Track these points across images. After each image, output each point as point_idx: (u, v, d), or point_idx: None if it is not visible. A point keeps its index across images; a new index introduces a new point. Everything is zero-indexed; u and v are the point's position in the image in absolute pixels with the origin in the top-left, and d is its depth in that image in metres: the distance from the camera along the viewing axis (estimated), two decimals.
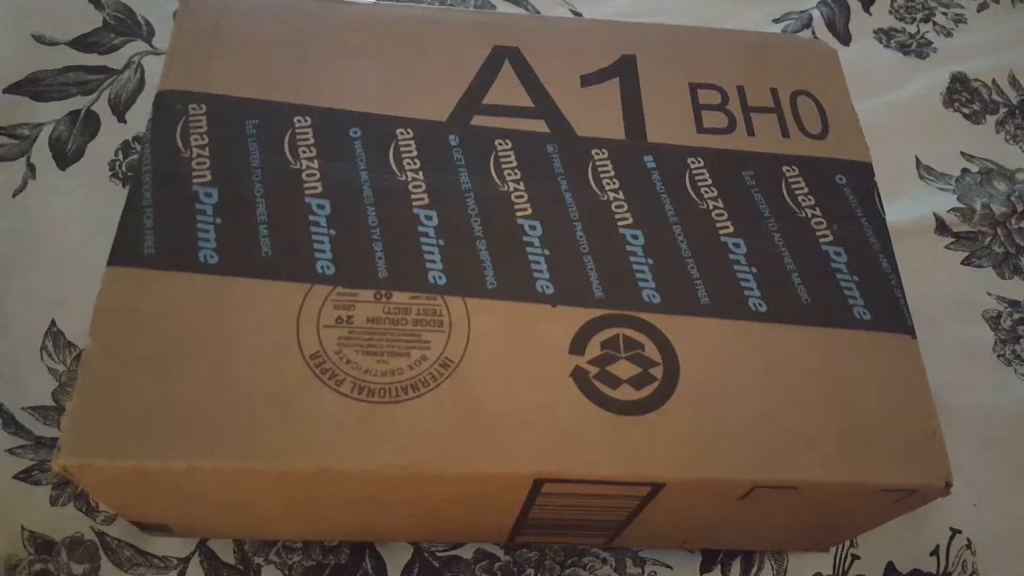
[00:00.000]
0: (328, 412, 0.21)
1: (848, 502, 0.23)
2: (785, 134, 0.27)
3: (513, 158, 0.25)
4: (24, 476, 0.27)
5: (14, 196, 0.32)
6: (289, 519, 0.24)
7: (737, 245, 0.24)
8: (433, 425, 0.21)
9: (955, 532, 0.29)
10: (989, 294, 0.35)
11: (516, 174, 0.25)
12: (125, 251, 0.22)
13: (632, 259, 0.24)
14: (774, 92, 0.28)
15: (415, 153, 0.25)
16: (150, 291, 0.22)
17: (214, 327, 0.21)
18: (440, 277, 0.23)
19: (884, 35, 0.43)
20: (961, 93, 0.41)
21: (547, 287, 0.23)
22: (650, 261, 0.24)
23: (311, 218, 0.23)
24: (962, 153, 0.39)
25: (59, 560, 0.26)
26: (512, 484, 0.21)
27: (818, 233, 0.25)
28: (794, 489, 0.22)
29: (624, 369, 0.22)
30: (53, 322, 0.30)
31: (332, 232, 0.23)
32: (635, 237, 0.24)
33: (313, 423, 0.20)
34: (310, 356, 0.21)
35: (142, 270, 0.22)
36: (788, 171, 0.26)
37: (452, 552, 0.28)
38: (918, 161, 0.39)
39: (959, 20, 0.44)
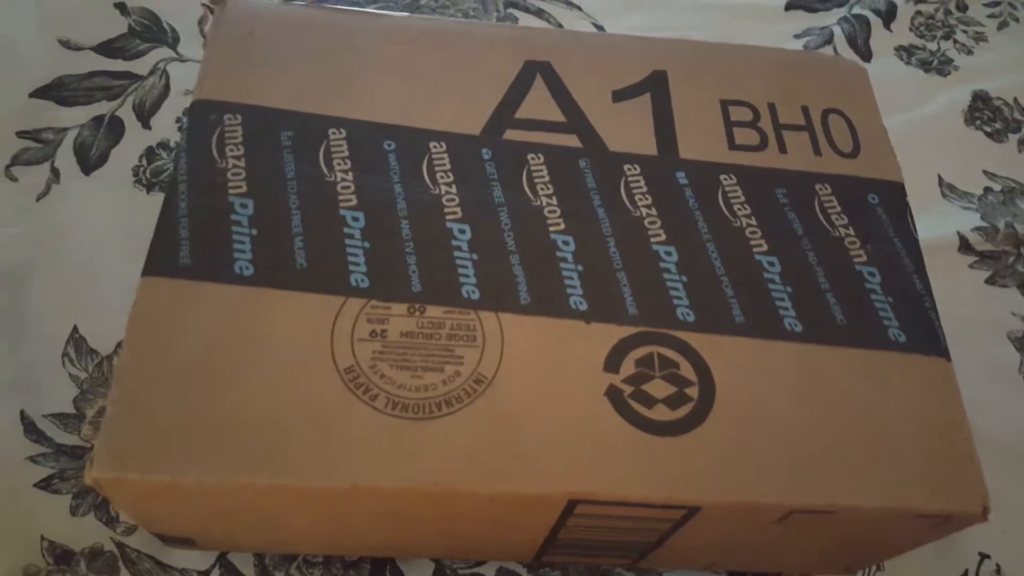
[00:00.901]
0: (362, 428, 0.20)
1: (883, 527, 0.23)
2: (817, 152, 0.27)
3: (546, 172, 0.25)
4: (44, 484, 0.27)
5: (38, 200, 0.32)
6: (315, 534, 0.24)
7: (771, 264, 0.24)
8: (467, 442, 0.21)
9: (984, 557, 0.29)
10: (1014, 314, 0.35)
11: (549, 189, 0.25)
12: (160, 261, 0.22)
13: (666, 276, 0.24)
14: (805, 110, 0.28)
15: (448, 167, 0.25)
16: (185, 301, 0.21)
17: (248, 339, 0.21)
18: (473, 291, 0.23)
19: (905, 52, 0.43)
20: (983, 111, 0.41)
21: (580, 303, 0.23)
22: (684, 279, 0.24)
23: (346, 231, 0.23)
24: (984, 172, 0.39)
25: (78, 571, 0.26)
26: (545, 504, 0.21)
27: (851, 253, 0.25)
28: (831, 514, 0.22)
29: (659, 388, 0.22)
30: (75, 328, 0.30)
31: (366, 245, 0.23)
32: (668, 254, 0.24)
33: (347, 439, 0.20)
34: (344, 370, 0.21)
35: (177, 280, 0.22)
36: (821, 189, 0.26)
37: (474, 570, 0.28)
38: (941, 179, 0.39)
39: (980, 38, 0.44)
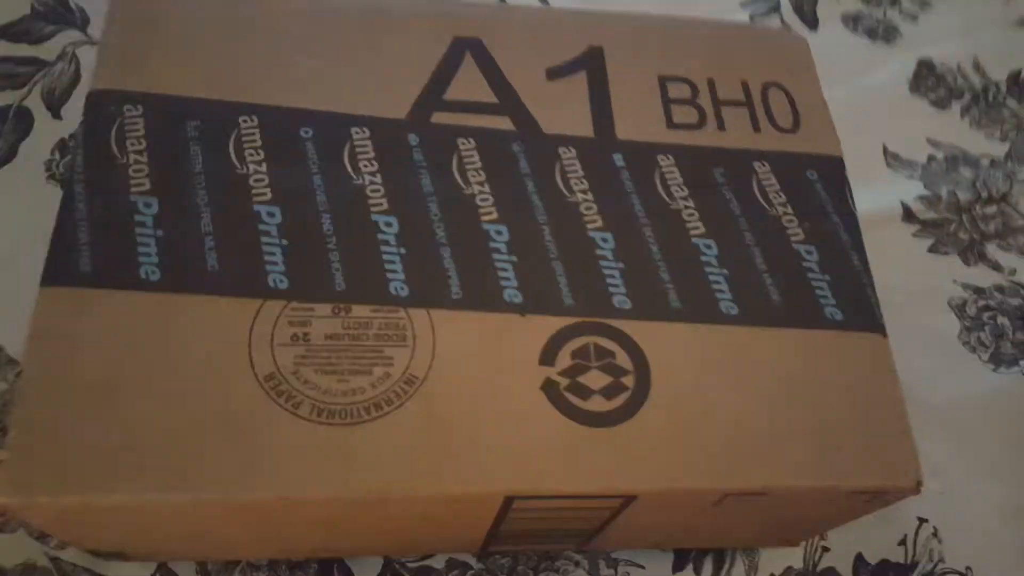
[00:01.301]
0: (286, 437, 0.20)
1: (819, 504, 0.23)
2: (756, 128, 0.26)
3: (477, 158, 0.24)
4: None
5: None
6: (252, 542, 0.23)
7: (708, 247, 0.24)
8: (398, 446, 0.20)
9: (922, 521, 0.30)
10: (955, 281, 0.35)
11: (481, 175, 0.24)
12: (59, 269, 0.20)
13: (602, 263, 0.23)
14: (745, 85, 0.27)
15: (372, 154, 0.23)
16: (88, 312, 0.20)
17: (159, 349, 0.20)
18: (402, 288, 0.22)
19: (852, 20, 0.43)
20: (927, 79, 0.41)
21: (515, 295, 0.22)
22: (620, 265, 0.23)
23: (261, 227, 0.22)
24: (928, 139, 0.39)
25: None
26: (480, 503, 0.21)
27: (789, 232, 0.24)
28: (764, 495, 0.21)
29: (595, 379, 0.21)
30: None
31: (284, 242, 0.22)
32: (605, 240, 0.23)
33: (270, 449, 0.19)
34: (264, 378, 0.20)
35: (78, 289, 0.20)
36: (759, 167, 0.25)
37: (423, 563, 0.27)
38: (885, 148, 0.39)
39: (924, 4, 0.44)
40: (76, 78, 0.33)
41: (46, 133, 0.32)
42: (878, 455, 0.22)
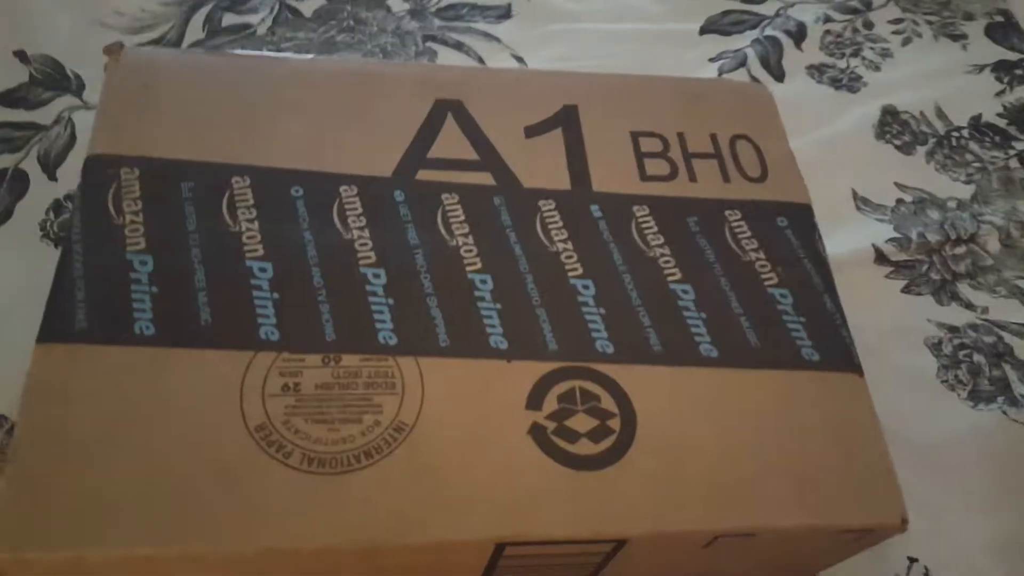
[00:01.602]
0: (276, 487, 0.20)
1: (807, 543, 0.23)
2: (726, 179, 0.27)
3: (461, 212, 0.25)
4: None
5: None
6: None
7: (685, 291, 0.24)
8: (387, 494, 0.20)
9: (913, 561, 0.30)
10: (929, 320, 0.36)
11: (464, 228, 0.25)
12: (55, 326, 0.21)
13: (584, 309, 0.24)
14: (713, 137, 0.28)
15: (360, 210, 0.24)
16: (83, 368, 0.20)
17: (152, 403, 0.20)
18: (391, 337, 0.22)
19: (816, 71, 0.45)
20: (892, 125, 0.43)
21: (501, 342, 0.23)
22: (602, 311, 0.24)
23: (253, 282, 0.22)
24: (896, 184, 0.41)
25: None
26: (471, 550, 0.21)
27: (763, 276, 0.25)
28: (754, 536, 0.22)
29: (582, 422, 0.22)
30: None
31: (275, 296, 0.22)
32: (586, 287, 0.24)
33: (260, 500, 0.20)
34: (255, 428, 0.20)
35: (74, 345, 0.21)
36: (731, 215, 0.27)
37: None
38: (855, 193, 0.40)
39: (886, 54, 0.46)
40: (71, 141, 0.34)
41: (41, 194, 0.33)
42: (862, 493, 0.22)
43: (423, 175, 0.25)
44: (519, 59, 0.42)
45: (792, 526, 0.22)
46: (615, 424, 0.22)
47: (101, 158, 0.24)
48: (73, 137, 0.34)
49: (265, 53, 0.38)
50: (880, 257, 0.38)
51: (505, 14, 0.43)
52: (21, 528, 0.18)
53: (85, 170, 0.23)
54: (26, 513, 0.19)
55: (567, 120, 0.28)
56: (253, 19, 0.41)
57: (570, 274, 0.24)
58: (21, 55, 0.36)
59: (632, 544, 0.21)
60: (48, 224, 0.32)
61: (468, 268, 0.24)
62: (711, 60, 0.44)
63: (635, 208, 0.26)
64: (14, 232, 0.32)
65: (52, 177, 0.33)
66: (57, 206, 0.33)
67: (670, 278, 0.25)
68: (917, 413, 0.33)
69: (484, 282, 0.24)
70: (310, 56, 0.28)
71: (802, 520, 0.22)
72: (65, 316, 0.21)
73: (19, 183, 0.33)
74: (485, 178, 0.26)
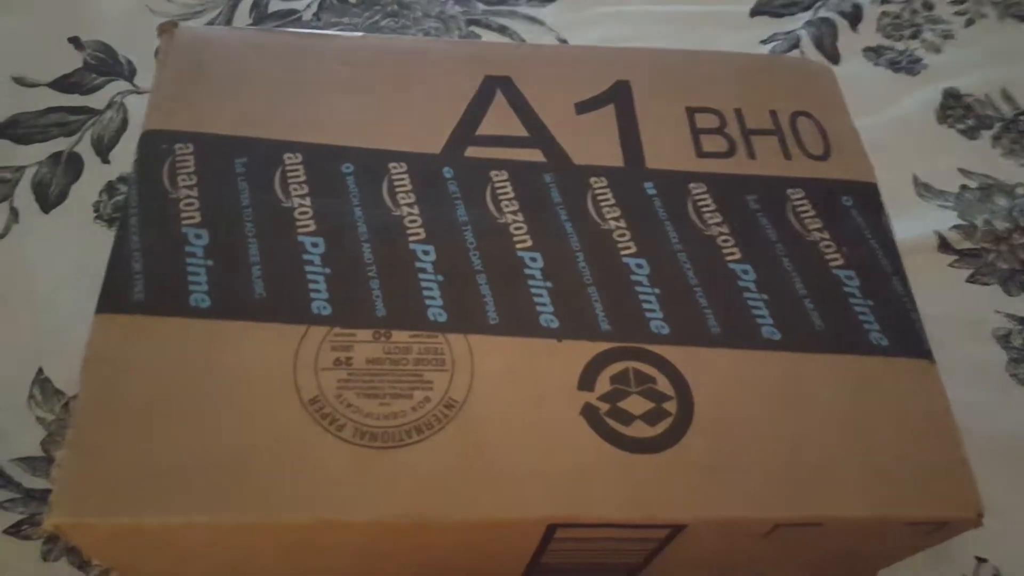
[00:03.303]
0: (329, 459, 0.20)
1: (874, 537, 0.22)
2: (787, 156, 0.26)
3: (510, 189, 0.24)
4: (14, 531, 0.26)
5: None
6: (289, 569, 0.23)
7: (746, 272, 0.24)
8: (438, 470, 0.20)
9: (981, 561, 0.28)
10: (997, 312, 0.35)
11: (514, 205, 0.24)
12: (114, 297, 0.21)
13: (638, 289, 0.23)
14: (773, 114, 0.27)
15: (409, 187, 0.24)
16: (141, 338, 0.21)
17: (208, 374, 0.20)
18: (440, 314, 0.22)
19: (873, 53, 0.43)
20: (955, 109, 0.41)
21: (551, 321, 0.22)
22: (656, 291, 0.23)
23: (305, 257, 0.22)
24: (960, 169, 0.39)
25: None
26: (523, 531, 0.20)
27: (827, 257, 0.24)
28: (819, 526, 0.21)
29: (636, 404, 0.21)
30: (40, 370, 0.29)
31: (327, 271, 0.22)
32: (639, 266, 0.23)
33: (313, 471, 0.19)
34: (309, 401, 0.20)
35: (132, 316, 0.21)
36: (793, 193, 0.25)
37: None
38: (915, 179, 0.39)
39: (947, 36, 0.44)
40: (123, 125, 0.35)
41: (95, 177, 0.33)
42: (935, 485, 0.21)
43: (472, 152, 0.25)
44: (563, 41, 0.41)
45: (860, 517, 0.21)
46: (671, 407, 0.21)
47: (156, 133, 0.24)
48: (125, 121, 0.35)
49: (315, 31, 0.38)
50: (944, 245, 0.36)
51: None
52: (82, 494, 0.19)
53: (141, 145, 0.24)
54: (87, 479, 0.19)
55: (619, 96, 0.27)
56: (299, 5, 0.41)
57: (623, 253, 0.24)
58: (75, 42, 0.37)
59: (689, 531, 0.21)
60: (101, 206, 0.33)
61: (518, 246, 0.23)
62: (762, 42, 0.43)
63: (691, 185, 0.25)
64: (68, 214, 0.32)
65: (105, 160, 0.34)
66: (110, 188, 0.33)
67: (729, 258, 0.24)
68: (985, 408, 0.31)
69: (534, 260, 0.23)
70: (360, 33, 0.28)
71: (871, 511, 0.21)
72: (123, 288, 0.21)
73: (73, 166, 0.33)
74: (535, 155, 0.25)
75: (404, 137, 0.25)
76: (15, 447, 0.27)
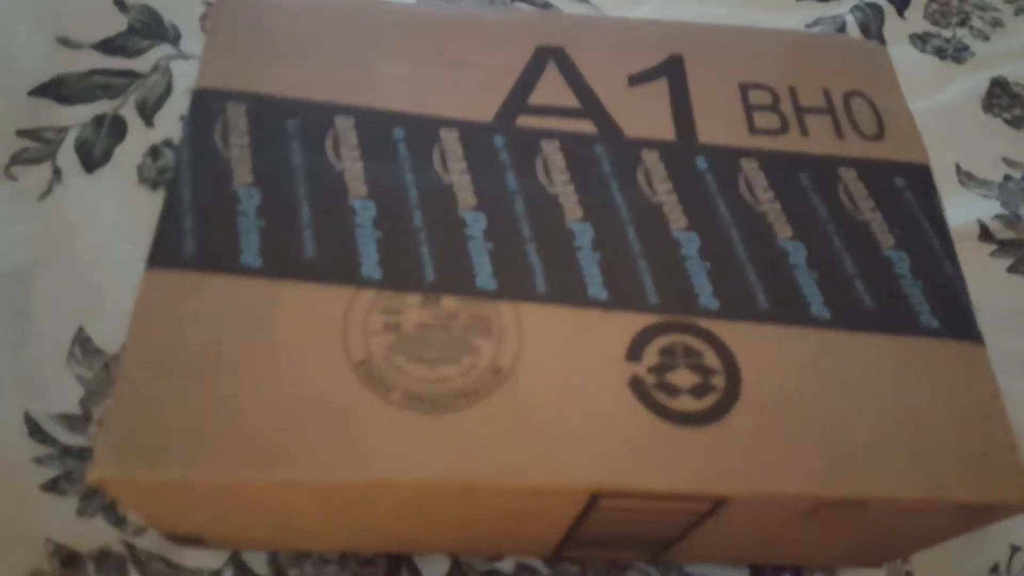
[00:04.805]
0: (377, 422, 0.20)
1: (918, 519, 0.22)
2: (840, 135, 0.26)
3: (561, 159, 0.24)
4: (51, 486, 0.26)
5: (40, 200, 0.32)
6: (329, 531, 0.23)
7: (796, 249, 0.23)
8: (485, 436, 0.20)
9: (1016, 549, 0.28)
10: None
11: (564, 175, 0.24)
12: (165, 253, 0.21)
13: (687, 263, 0.23)
14: (826, 92, 0.27)
15: (460, 154, 0.24)
16: (191, 294, 0.21)
17: (257, 332, 0.20)
18: (489, 281, 0.22)
19: (920, 40, 0.43)
20: (1001, 98, 0.40)
21: (600, 291, 0.22)
22: (706, 265, 0.23)
23: (356, 220, 0.22)
24: (1004, 159, 0.38)
25: (86, 573, 0.25)
26: (567, 499, 0.20)
27: (879, 237, 0.24)
28: (862, 505, 0.21)
29: (684, 378, 0.21)
30: (81, 328, 0.29)
31: (378, 235, 0.22)
32: (690, 240, 0.23)
33: (361, 433, 0.19)
34: (358, 363, 0.20)
35: (183, 272, 0.21)
36: (845, 173, 0.25)
37: (492, 566, 0.27)
38: (958, 167, 0.38)
39: (996, 24, 0.43)
40: (168, 90, 0.35)
41: (139, 140, 0.33)
42: (983, 468, 0.21)
43: (523, 121, 0.25)
44: None
45: (905, 497, 0.20)
46: (718, 381, 0.21)
47: (209, 91, 0.24)
48: (170, 85, 0.35)
49: None
50: (985, 234, 0.36)
51: None
52: (128, 447, 0.19)
53: (194, 102, 0.24)
54: (133, 433, 0.19)
55: (672, 70, 0.26)
56: None
57: (673, 226, 0.23)
58: (120, 4, 0.37)
59: (730, 506, 0.21)
60: (144, 169, 0.33)
61: (567, 216, 0.23)
62: (807, 26, 0.42)
63: (743, 161, 0.25)
64: (112, 176, 0.33)
65: (149, 123, 0.34)
66: (154, 152, 0.33)
67: (780, 234, 0.24)
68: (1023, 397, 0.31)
69: (584, 231, 0.23)
70: (413, 0, 0.28)
71: (917, 492, 0.20)
72: (174, 243, 0.21)
73: (118, 128, 0.34)
74: (586, 126, 0.25)
75: (456, 105, 0.25)
76: (54, 404, 0.28)
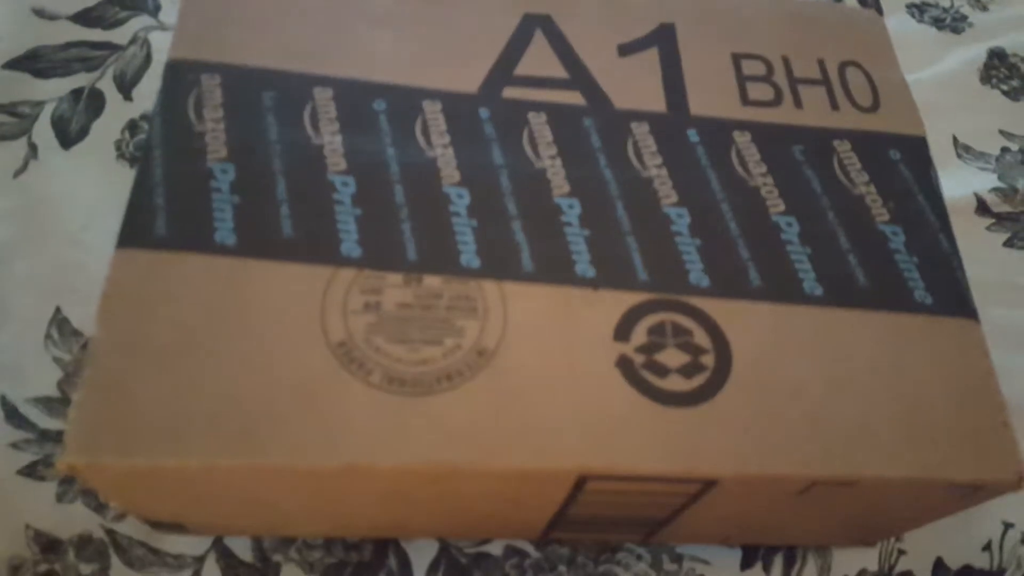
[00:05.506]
0: (356, 405, 0.19)
1: (910, 498, 0.22)
2: (835, 107, 0.25)
3: (548, 132, 0.23)
4: (28, 472, 0.26)
5: (15, 176, 0.31)
6: (311, 516, 0.23)
7: (789, 224, 0.23)
8: (469, 418, 0.19)
9: (1008, 526, 0.28)
10: None
11: (552, 149, 0.23)
12: (135, 232, 0.20)
13: (677, 239, 0.22)
14: (821, 63, 0.26)
15: (444, 127, 0.23)
16: (162, 275, 0.20)
17: (232, 313, 0.20)
18: (473, 259, 0.21)
19: (917, 9, 0.42)
20: (999, 69, 0.40)
21: (588, 269, 0.22)
22: (697, 241, 0.22)
23: (335, 196, 0.21)
24: (1001, 131, 0.38)
25: (66, 560, 0.25)
26: (553, 481, 0.20)
27: (873, 211, 0.23)
28: (855, 485, 0.20)
29: (673, 357, 0.21)
30: (58, 309, 0.28)
31: (357, 211, 0.21)
32: (680, 216, 0.23)
33: (340, 417, 0.19)
34: (336, 344, 0.20)
35: (154, 252, 0.20)
36: (839, 145, 0.24)
37: (480, 548, 0.27)
38: (956, 140, 0.37)
39: None
40: (147, 62, 0.34)
41: (117, 114, 0.32)
42: (976, 447, 0.20)
43: (509, 92, 0.24)
44: None
45: (898, 477, 0.20)
46: (708, 360, 0.21)
47: (182, 63, 0.23)
48: (149, 58, 0.34)
49: None
50: (982, 207, 0.35)
51: None
52: (97, 433, 0.18)
53: (166, 74, 0.23)
54: (104, 419, 0.18)
55: (663, 39, 0.26)
56: None
57: (663, 201, 0.23)
58: None
59: (721, 487, 0.20)
60: (123, 144, 0.32)
61: (555, 191, 0.23)
62: None
63: (736, 134, 0.24)
64: (90, 151, 0.32)
65: (128, 97, 0.33)
66: (132, 126, 0.32)
67: (772, 209, 0.23)
68: (1019, 372, 0.31)
69: (571, 207, 0.22)
70: None
71: (910, 471, 0.20)
72: (145, 222, 0.20)
73: (95, 102, 0.33)
74: (575, 97, 0.24)
75: (439, 75, 0.24)
76: (31, 387, 0.27)
